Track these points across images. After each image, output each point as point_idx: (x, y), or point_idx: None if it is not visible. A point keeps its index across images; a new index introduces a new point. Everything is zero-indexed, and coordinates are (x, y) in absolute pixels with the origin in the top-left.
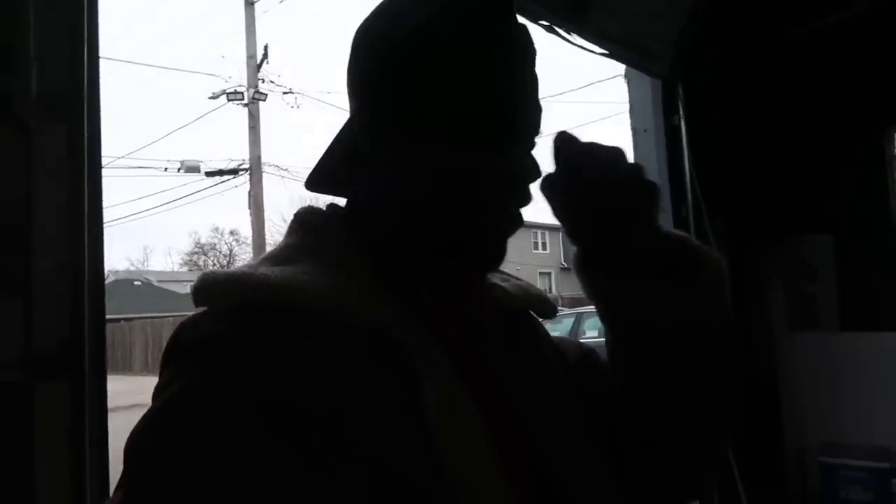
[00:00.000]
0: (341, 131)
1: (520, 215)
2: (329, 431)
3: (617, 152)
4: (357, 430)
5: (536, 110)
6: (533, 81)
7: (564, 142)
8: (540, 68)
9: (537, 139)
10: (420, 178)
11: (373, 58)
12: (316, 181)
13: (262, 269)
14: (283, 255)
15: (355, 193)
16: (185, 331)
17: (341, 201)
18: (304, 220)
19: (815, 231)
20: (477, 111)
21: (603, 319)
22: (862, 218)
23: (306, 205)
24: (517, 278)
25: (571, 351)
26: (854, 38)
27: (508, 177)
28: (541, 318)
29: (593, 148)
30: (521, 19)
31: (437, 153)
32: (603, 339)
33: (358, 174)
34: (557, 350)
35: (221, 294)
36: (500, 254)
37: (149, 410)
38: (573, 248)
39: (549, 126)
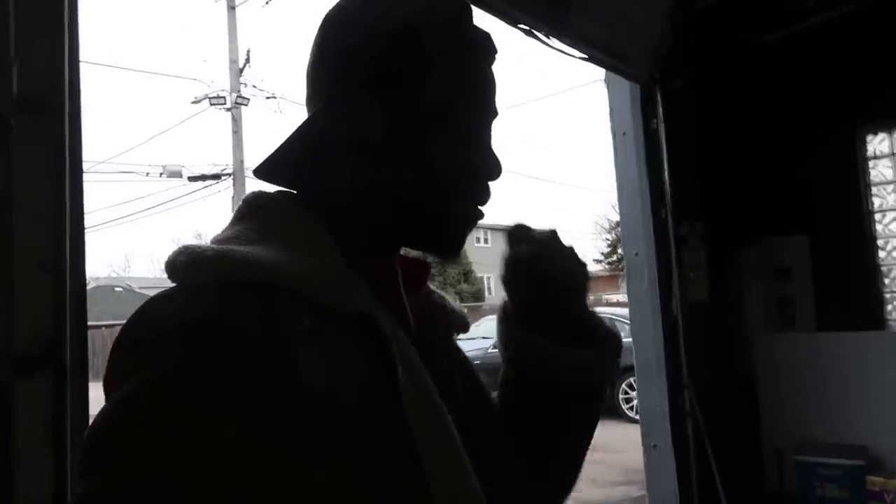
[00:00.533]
0: (306, 123)
1: (481, 211)
2: (326, 418)
3: (563, 247)
4: (349, 416)
5: (495, 113)
6: (495, 85)
7: (517, 234)
8: (521, 72)
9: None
10: (394, 170)
11: (353, 55)
12: (272, 171)
13: (236, 247)
14: (244, 237)
15: (321, 182)
16: (165, 308)
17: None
18: (262, 205)
19: (791, 232)
20: (457, 111)
21: (505, 362)
22: (837, 219)
23: (254, 191)
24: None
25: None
26: (826, 43)
27: (473, 173)
28: (459, 331)
29: (541, 241)
30: (496, 21)
31: (414, 147)
32: None
33: (326, 164)
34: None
35: (211, 271)
36: (460, 246)
37: (126, 394)
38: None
39: (533, 129)
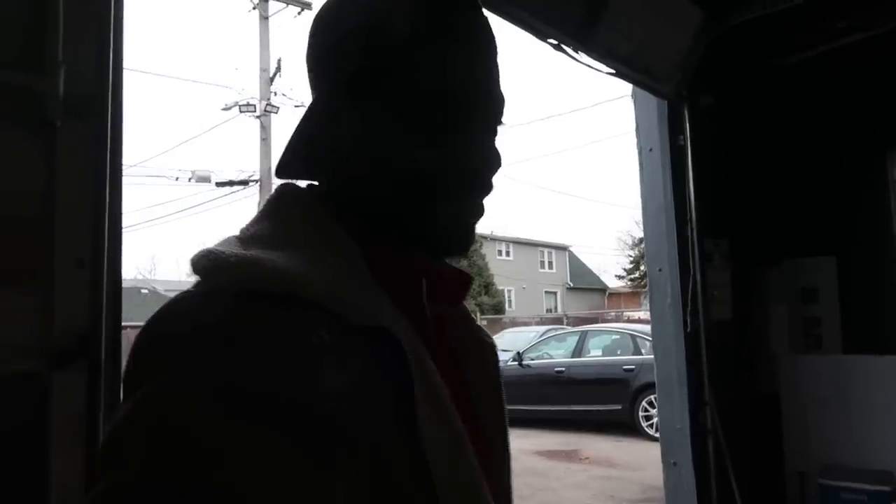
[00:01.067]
0: (301, 122)
1: (482, 205)
2: (341, 439)
3: None
4: (365, 439)
5: (502, 101)
6: (498, 73)
7: None
8: (548, 86)
9: (500, 129)
10: (375, 173)
11: (330, 57)
12: (285, 169)
13: (259, 254)
14: (271, 239)
15: (332, 179)
16: (188, 311)
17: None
18: (290, 202)
19: (817, 253)
20: (457, 102)
21: None
22: (865, 240)
23: (286, 182)
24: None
25: None
26: (858, 63)
27: (466, 171)
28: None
29: None
30: (526, 35)
31: (393, 150)
32: (607, 358)
33: (313, 165)
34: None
35: (233, 278)
36: (465, 242)
37: (148, 395)
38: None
39: (558, 143)
